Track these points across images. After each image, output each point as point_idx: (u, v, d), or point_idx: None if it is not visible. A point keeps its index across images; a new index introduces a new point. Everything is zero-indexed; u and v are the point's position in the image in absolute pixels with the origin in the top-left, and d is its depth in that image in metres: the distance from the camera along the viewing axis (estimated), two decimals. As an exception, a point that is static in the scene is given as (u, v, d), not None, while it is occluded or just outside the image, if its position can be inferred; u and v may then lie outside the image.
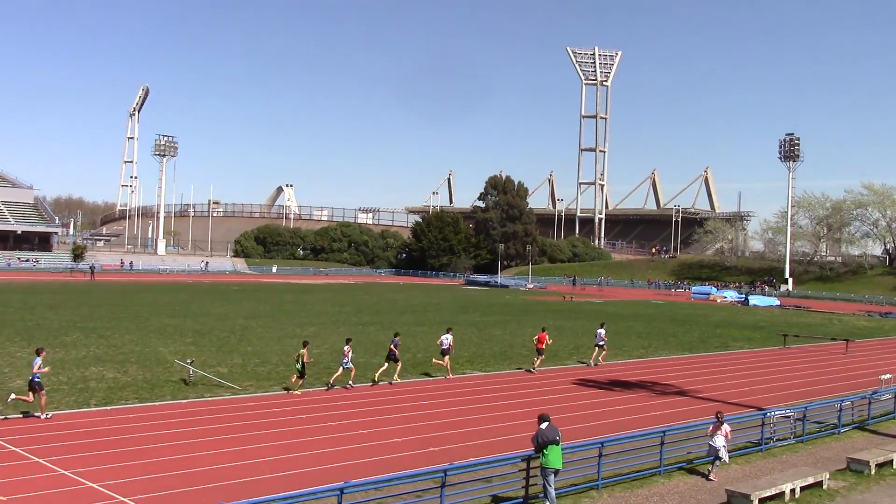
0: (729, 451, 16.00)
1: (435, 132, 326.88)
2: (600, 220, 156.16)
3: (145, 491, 13.14)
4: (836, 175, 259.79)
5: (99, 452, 15.38)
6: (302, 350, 22.40)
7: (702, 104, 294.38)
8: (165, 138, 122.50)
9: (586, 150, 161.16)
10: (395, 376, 24.44)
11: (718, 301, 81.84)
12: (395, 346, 24.48)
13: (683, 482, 15.13)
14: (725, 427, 15.68)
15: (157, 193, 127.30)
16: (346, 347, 23.38)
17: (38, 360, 18.32)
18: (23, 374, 21.72)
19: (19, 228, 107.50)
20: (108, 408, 19.47)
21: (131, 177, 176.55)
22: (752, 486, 14.12)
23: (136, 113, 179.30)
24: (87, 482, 13.49)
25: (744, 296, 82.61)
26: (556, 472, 13.11)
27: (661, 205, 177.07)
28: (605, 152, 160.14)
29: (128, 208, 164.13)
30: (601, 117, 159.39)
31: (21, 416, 18.15)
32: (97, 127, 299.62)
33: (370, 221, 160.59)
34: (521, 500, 13.33)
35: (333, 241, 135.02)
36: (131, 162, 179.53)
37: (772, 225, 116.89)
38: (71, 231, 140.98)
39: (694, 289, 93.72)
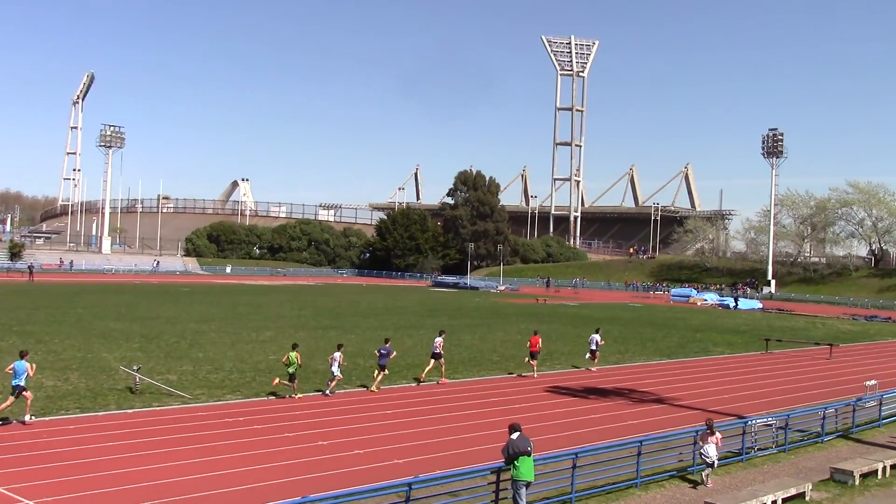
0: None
1: (400, 124, 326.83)
2: (576, 218, 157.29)
3: (86, 508, 12.94)
4: (821, 173, 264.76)
5: (36, 467, 15.10)
6: (292, 353, 22.84)
7: (683, 98, 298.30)
8: (111, 128, 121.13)
9: (561, 144, 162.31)
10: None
11: (699, 304, 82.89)
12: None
13: (661, 494, 15.27)
14: (717, 435, 15.96)
15: (102, 187, 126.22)
16: (337, 354, 23.61)
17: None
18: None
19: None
20: (47, 418, 19.16)
21: (74, 169, 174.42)
22: (733, 499, 14.33)
23: (80, 101, 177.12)
24: (22, 499, 13.24)
25: (731, 299, 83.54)
26: (528, 484, 13.13)
27: (640, 202, 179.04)
28: (581, 147, 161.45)
29: (70, 203, 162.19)
30: (577, 110, 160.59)
31: (-50, 428, 17.79)
32: (37, 116, 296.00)
33: (331, 219, 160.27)
34: (491, 514, 13.35)
35: (292, 240, 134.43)
36: (74, 153, 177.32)
37: (754, 224, 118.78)
38: (8, 228, 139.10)
39: (673, 291, 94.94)
